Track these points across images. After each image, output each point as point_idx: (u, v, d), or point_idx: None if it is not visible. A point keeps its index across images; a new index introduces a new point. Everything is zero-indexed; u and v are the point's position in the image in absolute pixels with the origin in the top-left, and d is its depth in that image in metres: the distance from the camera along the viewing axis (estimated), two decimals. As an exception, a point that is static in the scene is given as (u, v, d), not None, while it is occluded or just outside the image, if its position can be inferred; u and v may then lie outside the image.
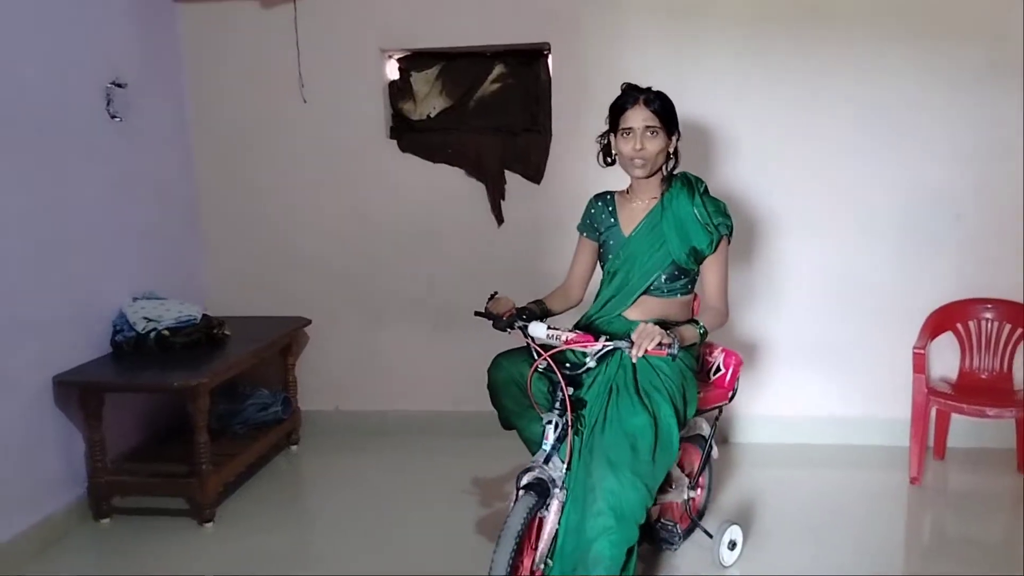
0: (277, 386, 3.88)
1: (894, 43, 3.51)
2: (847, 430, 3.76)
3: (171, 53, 3.83)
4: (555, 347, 2.36)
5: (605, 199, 2.71)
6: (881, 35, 3.51)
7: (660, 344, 2.19)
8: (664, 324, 2.36)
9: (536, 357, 2.36)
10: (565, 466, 2.32)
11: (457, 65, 3.80)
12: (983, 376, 3.50)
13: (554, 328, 2.37)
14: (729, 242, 2.60)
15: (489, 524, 3.07)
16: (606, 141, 2.64)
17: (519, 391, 2.49)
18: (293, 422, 3.90)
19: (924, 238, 3.62)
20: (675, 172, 2.64)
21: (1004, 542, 3.06)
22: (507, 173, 3.81)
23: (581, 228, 2.75)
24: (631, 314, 2.59)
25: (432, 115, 3.85)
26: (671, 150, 2.57)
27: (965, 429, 3.63)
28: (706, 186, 2.62)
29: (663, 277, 2.57)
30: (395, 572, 2.81)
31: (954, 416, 3.55)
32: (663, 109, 2.52)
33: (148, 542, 3.08)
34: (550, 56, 3.71)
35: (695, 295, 2.70)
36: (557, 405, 2.34)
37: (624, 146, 2.51)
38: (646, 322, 2.28)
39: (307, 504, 3.56)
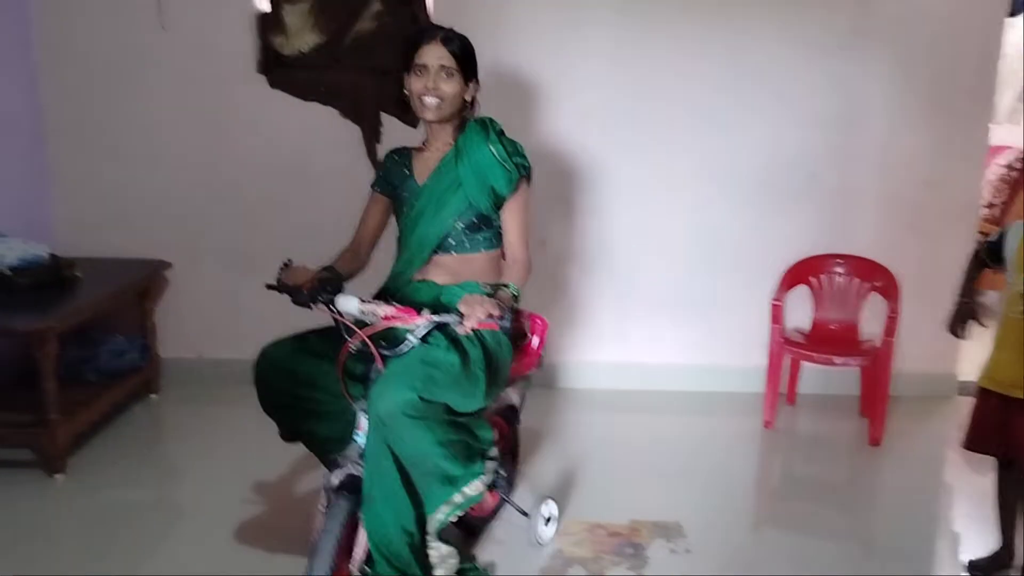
0: (135, 332, 3.69)
1: (760, 7, 3.59)
2: (706, 378, 3.92)
3: (13, -33, 3.50)
4: (369, 324, 2.11)
5: (401, 153, 2.52)
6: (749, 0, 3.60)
7: (490, 316, 2.01)
8: (478, 290, 2.24)
9: (346, 336, 2.11)
10: None
11: None
12: (832, 327, 3.72)
13: (367, 302, 2.11)
14: (529, 185, 2.45)
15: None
16: (399, 81, 2.38)
17: (305, 385, 2.24)
18: (152, 370, 3.72)
19: (782, 197, 3.77)
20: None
21: (847, 479, 3.30)
22: (384, 116, 3.71)
23: (374, 183, 2.53)
24: (432, 275, 2.40)
25: (305, 51, 3.69)
26: (468, 98, 2.40)
27: (815, 377, 3.86)
28: (502, 127, 2.46)
29: (461, 226, 2.38)
30: (253, 527, 2.75)
31: (805, 364, 3.76)
32: (462, 50, 2.34)
33: (-9, 494, 2.90)
34: (429, -4, 3.62)
35: (501, 252, 2.47)
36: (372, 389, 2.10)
37: (416, 84, 2.32)
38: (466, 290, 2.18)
39: (166, 455, 3.42)
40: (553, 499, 2.72)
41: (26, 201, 3.61)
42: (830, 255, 3.72)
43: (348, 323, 2.10)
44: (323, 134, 3.72)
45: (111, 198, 3.77)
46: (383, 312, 2.07)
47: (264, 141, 3.74)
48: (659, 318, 3.91)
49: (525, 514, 2.62)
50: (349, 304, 2.08)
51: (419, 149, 2.49)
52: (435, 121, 2.37)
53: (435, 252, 2.39)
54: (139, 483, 3.07)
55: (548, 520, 2.66)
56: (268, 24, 3.65)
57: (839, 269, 3.71)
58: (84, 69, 3.66)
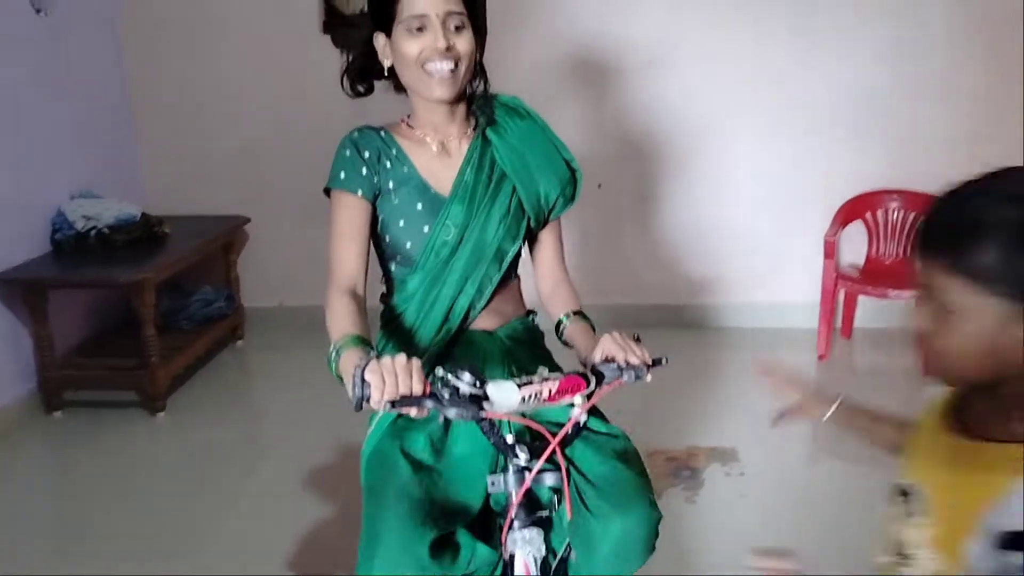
0: (220, 283, 3.96)
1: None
2: (765, 314, 4.02)
3: (93, -57, 3.72)
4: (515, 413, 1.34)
5: (380, 136, 1.65)
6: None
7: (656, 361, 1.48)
8: (530, 327, 1.76)
9: (509, 457, 1.38)
10: None
11: (390, -42, 3.77)
12: (887, 262, 3.78)
13: (524, 381, 1.32)
14: None
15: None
16: (364, 48, 1.65)
17: None
18: (237, 317, 3.99)
19: (843, 132, 3.81)
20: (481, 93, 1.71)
21: (901, 409, 3.39)
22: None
23: (347, 182, 1.61)
24: (485, 321, 1.68)
25: (364, 10, 3.83)
26: (480, 58, 1.65)
27: (871, 311, 3.92)
28: None
29: (520, 251, 1.71)
30: (337, 463, 2.96)
31: (861, 299, 3.83)
32: None
33: (103, 432, 3.20)
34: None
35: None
36: (519, 513, 1.40)
37: (411, 46, 1.53)
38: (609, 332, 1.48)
39: (253, 396, 3.71)
40: None
41: (118, 163, 3.88)
42: (884, 191, 3.76)
43: (534, 426, 1.36)
44: (385, 88, 3.87)
45: (193, 157, 4.01)
46: (548, 390, 1.32)
47: (330, 97, 3.88)
48: (720, 255, 4.01)
49: None
50: (508, 396, 1.29)
51: (405, 132, 1.68)
52: (448, 100, 1.59)
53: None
54: (229, 422, 3.35)
55: None
56: (330, -15, 3.81)
57: (894, 204, 3.75)
58: (165, 35, 3.88)
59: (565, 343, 1.67)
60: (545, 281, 1.77)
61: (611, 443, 1.54)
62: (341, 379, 1.39)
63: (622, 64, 3.80)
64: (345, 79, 1.69)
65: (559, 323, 1.68)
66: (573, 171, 1.72)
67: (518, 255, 1.71)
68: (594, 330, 1.64)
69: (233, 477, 2.92)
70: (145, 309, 3.18)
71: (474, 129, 1.68)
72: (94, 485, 2.88)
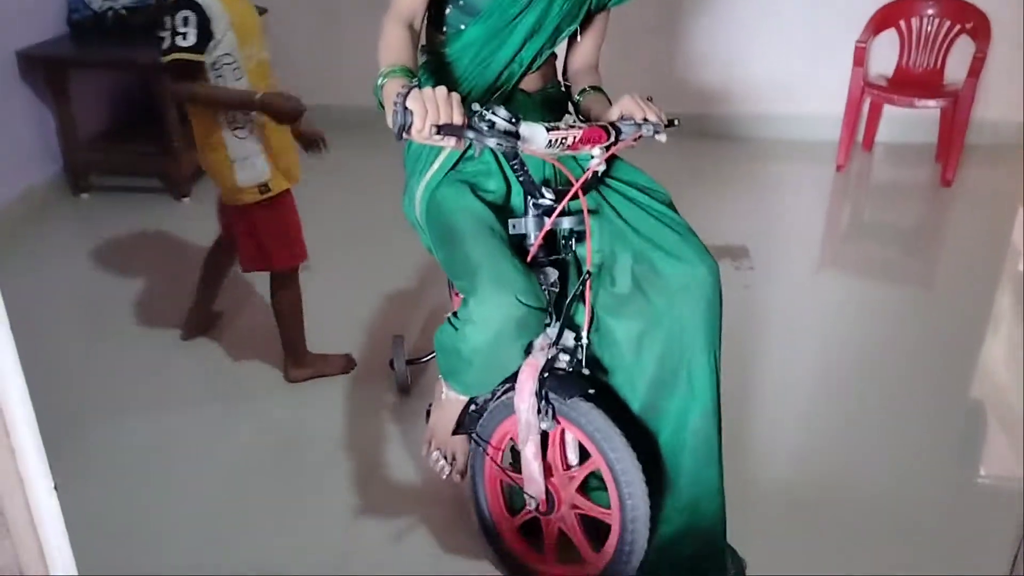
0: (238, 77, 3.92)
1: None
2: (785, 125, 3.99)
3: None
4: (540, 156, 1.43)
5: None
6: None
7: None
8: (559, 99, 1.76)
9: (540, 197, 1.49)
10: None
11: None
12: (917, 72, 3.69)
13: (552, 125, 1.38)
14: None
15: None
16: None
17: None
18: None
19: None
20: None
21: (915, 221, 3.43)
22: None
23: None
24: (525, 84, 1.68)
25: None
26: None
27: (895, 125, 3.87)
28: None
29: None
30: (364, 260, 3.03)
31: (886, 113, 3.77)
32: None
33: (129, 214, 3.30)
34: None
35: None
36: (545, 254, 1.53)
37: None
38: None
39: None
40: None
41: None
42: (921, -5, 3.63)
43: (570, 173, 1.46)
44: None
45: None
46: (573, 136, 1.39)
47: None
48: (743, 63, 3.93)
49: None
50: (537, 135, 1.35)
51: None
52: None
53: None
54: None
55: None
56: None
57: (930, 11, 3.63)
58: None
59: (582, 115, 1.69)
60: (576, 62, 1.78)
61: (661, 195, 1.64)
62: (382, 106, 1.41)
63: None
64: None
65: (579, 94, 1.70)
66: None
67: None
68: (610, 103, 1.62)
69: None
70: (165, 92, 3.18)
71: None
72: (121, 262, 2.99)
